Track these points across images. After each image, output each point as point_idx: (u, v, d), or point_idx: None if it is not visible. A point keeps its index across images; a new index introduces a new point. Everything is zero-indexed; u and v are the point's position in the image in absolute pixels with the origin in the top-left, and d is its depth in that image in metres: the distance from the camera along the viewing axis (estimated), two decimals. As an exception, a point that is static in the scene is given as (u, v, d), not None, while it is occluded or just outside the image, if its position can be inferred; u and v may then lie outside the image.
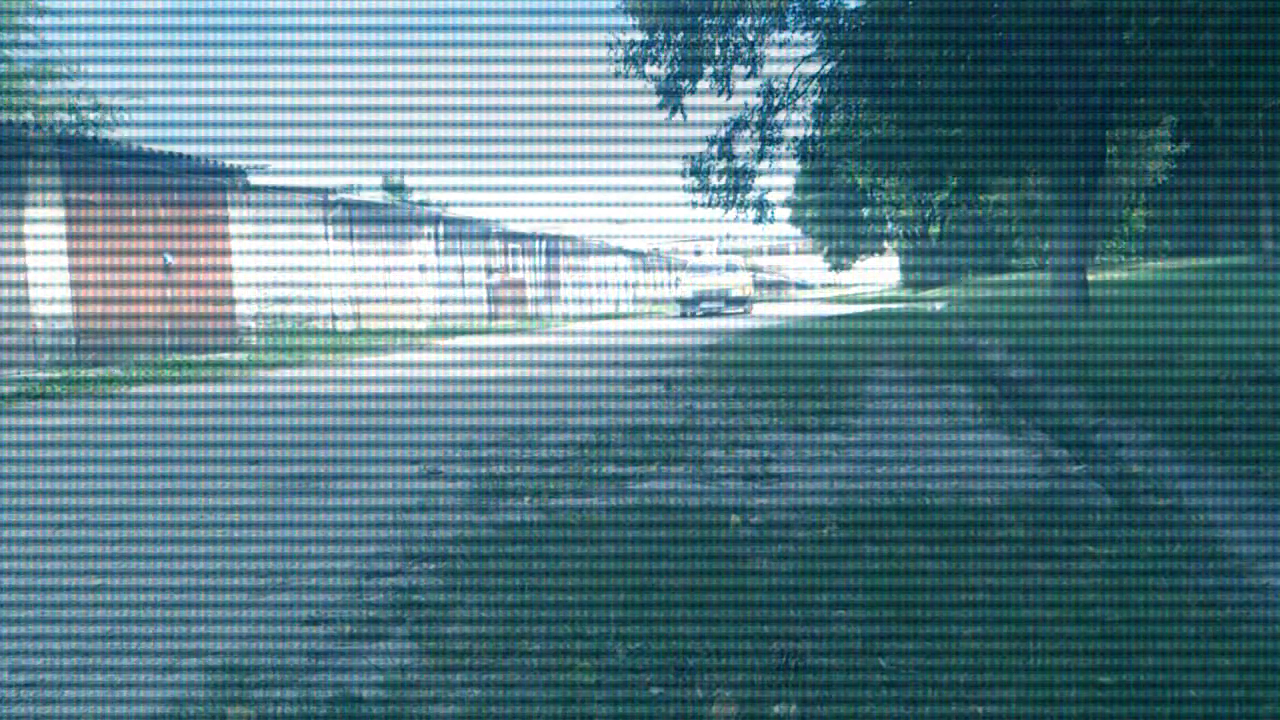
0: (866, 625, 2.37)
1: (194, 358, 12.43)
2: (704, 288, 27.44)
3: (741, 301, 27.37)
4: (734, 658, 2.21)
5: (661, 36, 14.92)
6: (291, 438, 5.79)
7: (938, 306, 23.64)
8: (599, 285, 36.84)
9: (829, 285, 59.91)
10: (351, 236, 20.79)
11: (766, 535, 3.16)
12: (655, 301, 44.99)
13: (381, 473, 4.54)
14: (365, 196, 24.52)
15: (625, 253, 40.94)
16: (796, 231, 53.12)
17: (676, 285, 31.33)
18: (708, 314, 26.15)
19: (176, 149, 13.69)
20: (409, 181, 46.58)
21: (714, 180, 16.89)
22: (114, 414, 7.45)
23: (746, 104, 16.34)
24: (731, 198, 16.89)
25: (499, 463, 4.61)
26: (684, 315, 27.14)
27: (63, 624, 2.64)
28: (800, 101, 16.18)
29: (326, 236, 20.02)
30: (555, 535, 3.22)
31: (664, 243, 51.28)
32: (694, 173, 16.94)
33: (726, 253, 38.92)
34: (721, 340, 13.05)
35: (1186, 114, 15.58)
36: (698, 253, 34.50)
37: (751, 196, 16.92)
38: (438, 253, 24.54)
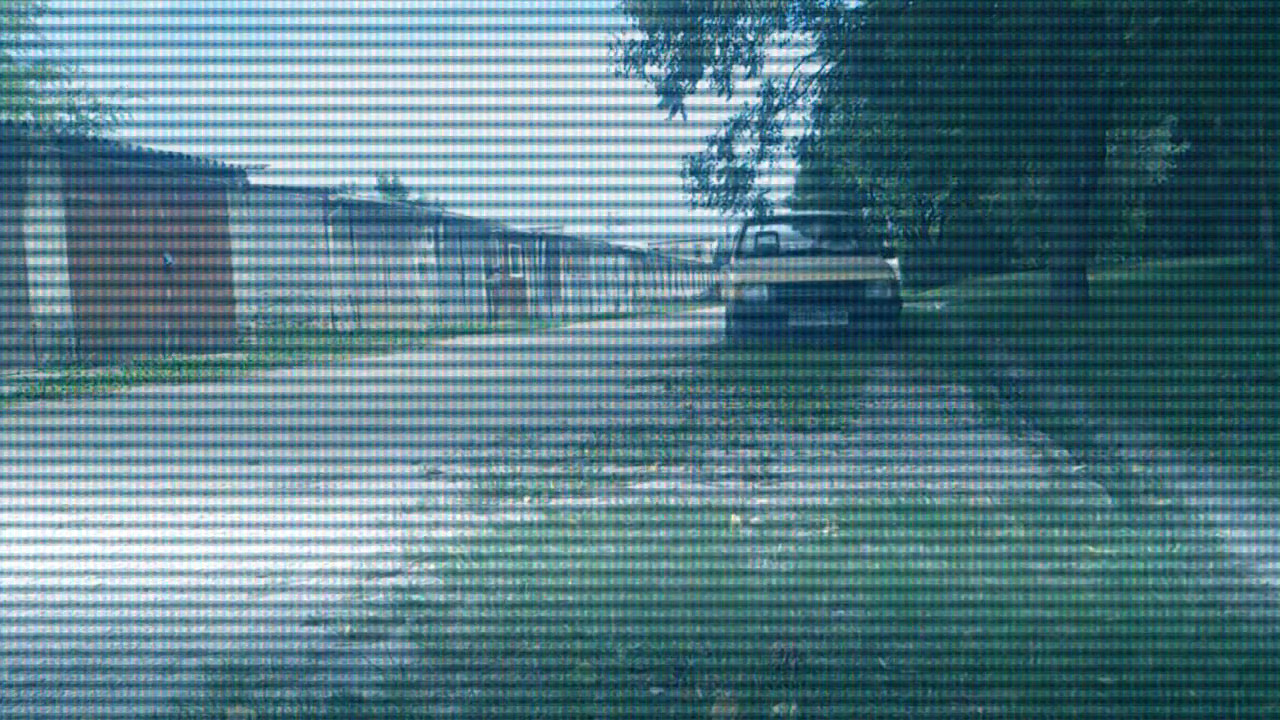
0: (866, 625, 2.38)
1: (194, 358, 12.43)
2: (805, 281, 11.21)
3: (891, 305, 11.27)
4: (734, 658, 2.21)
5: (661, 36, 14.95)
6: (291, 438, 5.79)
7: (938, 306, 23.66)
8: (599, 285, 36.84)
9: None
10: (351, 236, 20.80)
11: (766, 535, 3.17)
12: (659, 302, 44.94)
13: (381, 473, 4.54)
14: (364, 196, 24.55)
15: (625, 253, 40.95)
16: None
17: (725, 280, 12.92)
18: (812, 334, 10.80)
19: (176, 149, 13.71)
20: (407, 181, 46.60)
21: (714, 180, 16.92)
22: (114, 414, 7.45)
23: (746, 104, 16.37)
24: (731, 197, 16.91)
25: (499, 463, 4.61)
26: (746, 338, 11.24)
27: (63, 624, 2.64)
28: (800, 101, 16.22)
29: (326, 236, 20.03)
30: (555, 535, 3.22)
31: (664, 242, 51.23)
32: (694, 173, 16.97)
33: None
34: (721, 340, 13.03)
35: (1186, 114, 15.61)
36: (761, 203, 16.88)
37: (751, 196, 16.94)
38: (438, 253, 24.54)
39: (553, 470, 4.36)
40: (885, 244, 13.55)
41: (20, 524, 3.78)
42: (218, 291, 14.82)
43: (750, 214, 16.23)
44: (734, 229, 14.31)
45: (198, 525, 3.67)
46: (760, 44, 15.26)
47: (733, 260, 12.33)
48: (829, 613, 2.47)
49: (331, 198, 20.11)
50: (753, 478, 4.11)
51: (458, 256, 25.51)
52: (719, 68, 15.16)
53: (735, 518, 3.37)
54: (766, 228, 13.54)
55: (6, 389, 8.86)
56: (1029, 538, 3.02)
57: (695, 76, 15.22)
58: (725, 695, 2.05)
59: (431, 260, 24.22)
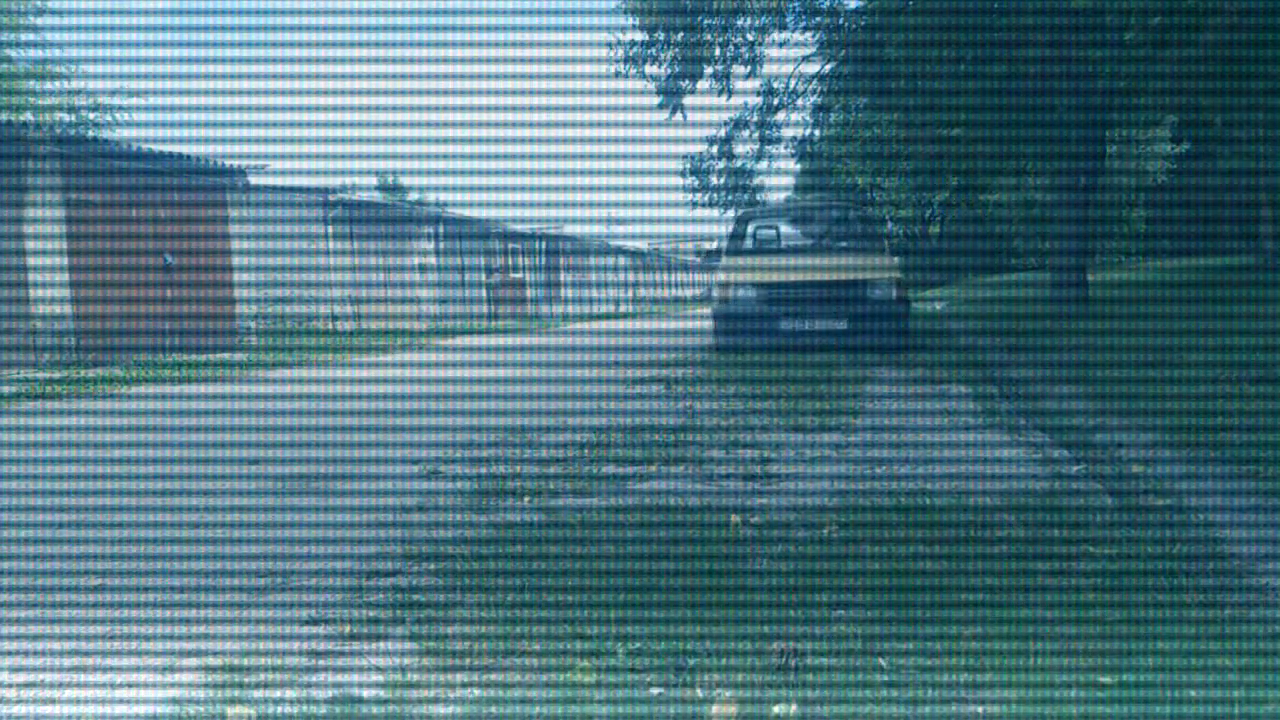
0: (866, 625, 2.38)
1: (194, 358, 12.42)
2: (799, 281, 9.82)
3: (897, 306, 9.71)
4: (734, 658, 2.21)
5: (661, 36, 14.96)
6: (291, 438, 5.79)
7: (938, 306, 23.66)
8: (599, 285, 36.84)
9: None
10: (351, 236, 20.80)
11: (766, 535, 3.16)
12: (659, 302, 44.95)
13: (381, 473, 4.54)
14: (364, 196, 24.55)
15: (625, 253, 40.96)
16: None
17: (711, 279, 12.22)
18: (807, 338, 9.67)
19: (176, 149, 13.71)
20: (407, 181, 46.60)
21: (714, 180, 16.95)
22: (114, 414, 7.45)
23: (746, 104, 16.38)
24: (731, 197, 16.94)
25: (499, 463, 4.61)
26: (739, 338, 9.97)
27: (63, 624, 2.64)
28: (800, 101, 16.24)
29: (326, 236, 20.03)
30: (555, 535, 3.22)
31: (663, 242, 51.23)
32: (694, 172, 17.00)
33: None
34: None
35: (1186, 114, 15.61)
36: (752, 202, 16.02)
37: (749, 196, 16.98)
38: (438, 253, 24.54)
39: (553, 470, 4.36)
40: (888, 241, 12.01)
41: (19, 523, 3.78)
42: (218, 291, 14.82)
43: (743, 210, 15.92)
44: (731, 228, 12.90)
45: (197, 526, 3.68)
46: (760, 44, 15.28)
47: (723, 258, 11.07)
48: (829, 613, 2.47)
49: (331, 198, 20.11)
50: (753, 478, 4.11)
51: (458, 256, 25.51)
52: (719, 68, 15.17)
53: (735, 518, 3.37)
54: (761, 222, 12.02)
55: (6, 389, 8.86)
56: (1029, 537, 3.02)
57: (695, 76, 15.23)
58: (725, 695, 2.05)
59: (431, 260, 24.21)
